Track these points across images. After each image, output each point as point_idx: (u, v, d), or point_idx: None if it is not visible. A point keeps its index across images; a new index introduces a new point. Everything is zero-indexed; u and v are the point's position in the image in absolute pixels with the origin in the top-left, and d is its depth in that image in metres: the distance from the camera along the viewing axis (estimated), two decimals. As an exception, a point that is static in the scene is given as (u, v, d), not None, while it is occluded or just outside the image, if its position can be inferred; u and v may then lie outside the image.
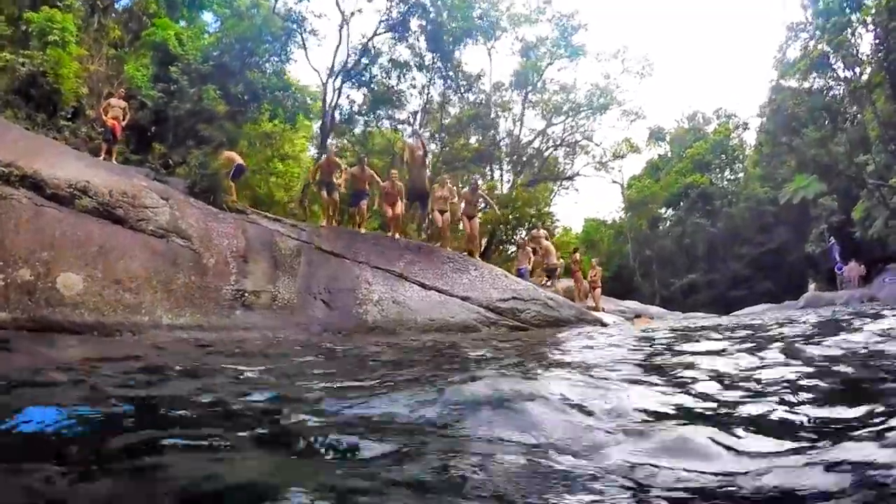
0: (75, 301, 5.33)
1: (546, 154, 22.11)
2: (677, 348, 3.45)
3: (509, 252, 18.84)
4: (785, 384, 1.79)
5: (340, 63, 16.69)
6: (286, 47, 16.22)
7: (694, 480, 0.96)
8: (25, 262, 5.36)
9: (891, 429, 1.10)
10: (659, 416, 1.36)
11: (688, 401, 1.49)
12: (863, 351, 2.49)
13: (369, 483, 0.97)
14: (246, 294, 6.48)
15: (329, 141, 17.89)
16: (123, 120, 9.42)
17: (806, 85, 21.65)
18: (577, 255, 14.05)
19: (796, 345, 2.75)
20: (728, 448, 1.10)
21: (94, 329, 5.20)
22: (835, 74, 20.76)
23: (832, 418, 1.24)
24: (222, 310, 6.20)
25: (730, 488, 0.92)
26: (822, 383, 1.57)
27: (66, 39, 11.08)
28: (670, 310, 20.05)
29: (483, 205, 11.21)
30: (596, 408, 1.41)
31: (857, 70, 19.94)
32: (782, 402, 1.43)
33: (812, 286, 22.00)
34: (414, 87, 18.46)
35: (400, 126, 19.47)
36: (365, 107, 18.06)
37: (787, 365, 2.19)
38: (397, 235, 9.24)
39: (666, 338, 4.45)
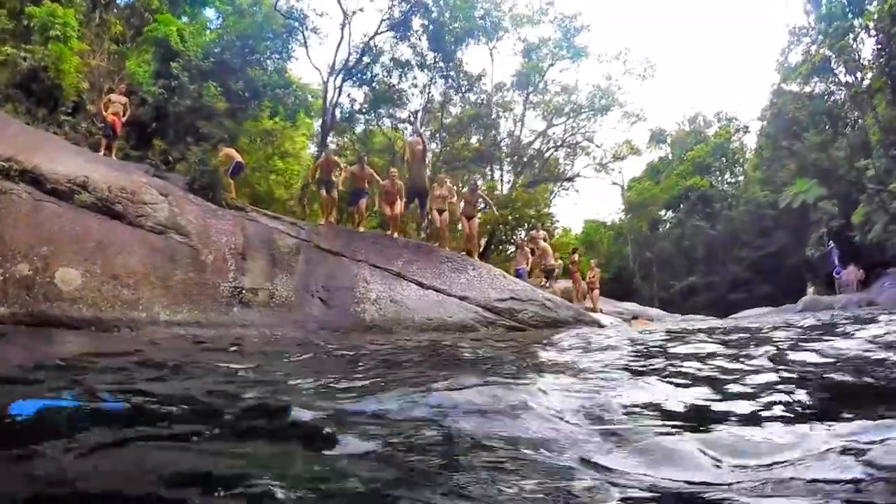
0: (73, 296, 5.35)
1: (547, 155, 22.11)
2: (671, 351, 3.46)
3: (508, 252, 18.86)
4: (766, 390, 1.81)
5: (341, 61, 16.70)
6: (287, 45, 16.23)
7: (664, 487, 0.97)
8: (24, 257, 5.38)
9: (868, 443, 1.11)
10: (639, 420, 1.37)
11: (671, 404, 1.50)
12: (850, 357, 2.50)
13: (346, 479, 0.99)
14: (244, 291, 6.50)
15: (329, 139, 17.90)
16: (124, 116, 9.43)
17: (807, 89, 21.65)
18: (576, 256, 14.05)
19: (785, 349, 2.77)
20: (707, 458, 1.11)
21: (92, 324, 5.22)
22: (836, 79, 20.76)
23: (801, 434, 1.25)
24: (220, 307, 6.22)
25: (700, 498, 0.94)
26: (803, 390, 1.58)
27: (67, 34, 11.08)
28: (669, 312, 20.06)
29: (482, 205, 11.22)
30: (579, 415, 1.42)
31: (859, 75, 19.93)
32: (755, 412, 1.43)
33: (811, 290, 22.01)
34: (415, 86, 18.49)
35: (401, 125, 19.49)
36: (366, 105, 18.06)
37: (772, 371, 2.21)
38: (396, 234, 9.26)
39: (660, 340, 4.46)
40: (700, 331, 5.69)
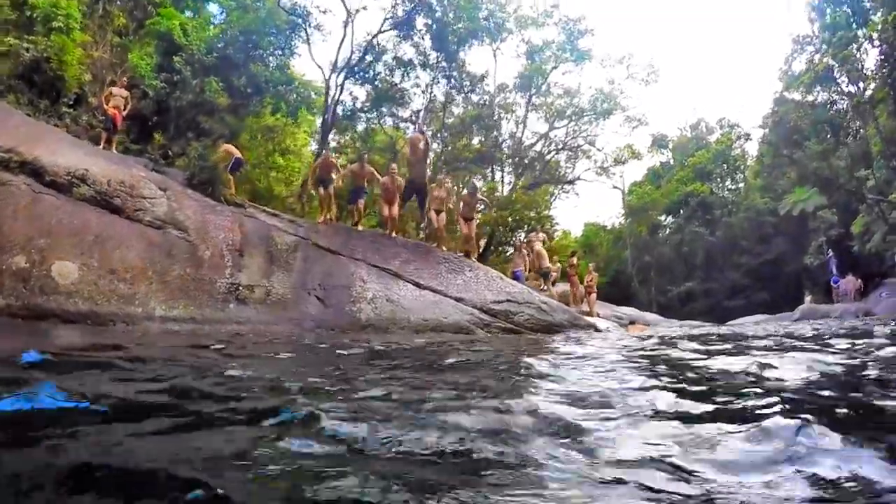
0: (70, 290, 5.34)
1: (548, 157, 22.13)
2: (662, 358, 3.47)
3: (508, 254, 18.88)
4: (740, 401, 1.82)
5: (344, 59, 16.69)
6: (290, 41, 16.22)
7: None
8: (21, 249, 5.38)
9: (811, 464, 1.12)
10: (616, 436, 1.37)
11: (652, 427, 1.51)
12: (833, 371, 2.51)
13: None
14: (240, 288, 6.50)
15: (331, 137, 17.90)
16: (125, 109, 9.43)
17: (810, 98, 21.68)
18: (574, 260, 14.07)
19: (769, 358, 2.78)
20: (684, 475, 1.12)
21: (88, 318, 5.21)
22: (839, 89, 20.78)
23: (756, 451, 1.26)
24: (216, 303, 6.22)
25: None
26: (778, 405, 1.58)
27: (70, 26, 11.09)
28: (667, 317, 20.10)
29: (482, 206, 11.23)
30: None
31: (861, 85, 19.96)
32: (725, 426, 1.44)
33: (808, 298, 22.07)
34: (417, 85, 18.51)
35: (402, 124, 19.49)
36: (367, 104, 18.06)
37: (755, 382, 2.22)
38: (394, 234, 9.26)
39: (654, 347, 4.47)
40: (693, 337, 5.70)
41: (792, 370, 2.48)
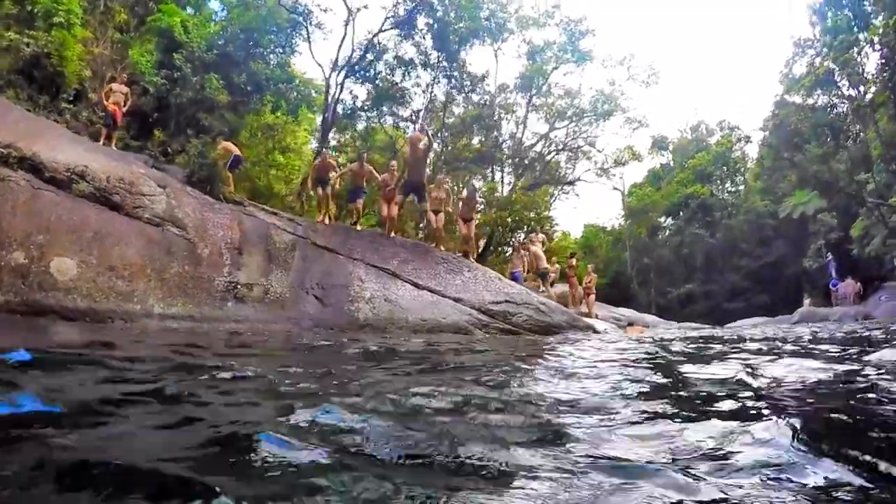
0: (68, 286, 5.34)
1: (548, 158, 22.13)
2: (656, 363, 3.47)
3: (507, 254, 18.87)
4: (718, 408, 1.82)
5: (345, 58, 16.66)
6: (291, 39, 16.19)
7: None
8: (20, 245, 5.37)
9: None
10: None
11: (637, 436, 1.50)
12: (824, 378, 2.51)
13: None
14: (239, 286, 6.50)
15: (331, 135, 17.88)
16: (125, 106, 9.42)
17: (810, 101, 21.71)
18: (573, 261, 14.08)
19: (761, 363, 2.79)
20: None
21: (86, 315, 5.21)
22: (839, 92, 20.81)
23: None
24: (214, 301, 6.22)
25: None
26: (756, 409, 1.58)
27: (71, 21, 11.08)
28: (666, 319, 20.14)
29: (482, 206, 11.23)
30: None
31: (862, 89, 19.98)
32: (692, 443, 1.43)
33: (807, 301, 22.13)
34: (418, 85, 18.47)
35: (403, 123, 19.47)
36: (368, 102, 18.03)
37: (745, 387, 2.22)
38: (393, 234, 9.25)
39: (648, 351, 4.47)
40: (688, 339, 5.71)
41: (782, 376, 2.48)
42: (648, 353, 4.16)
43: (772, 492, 1.05)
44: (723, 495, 1.03)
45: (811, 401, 2.04)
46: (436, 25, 16.70)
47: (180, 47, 12.95)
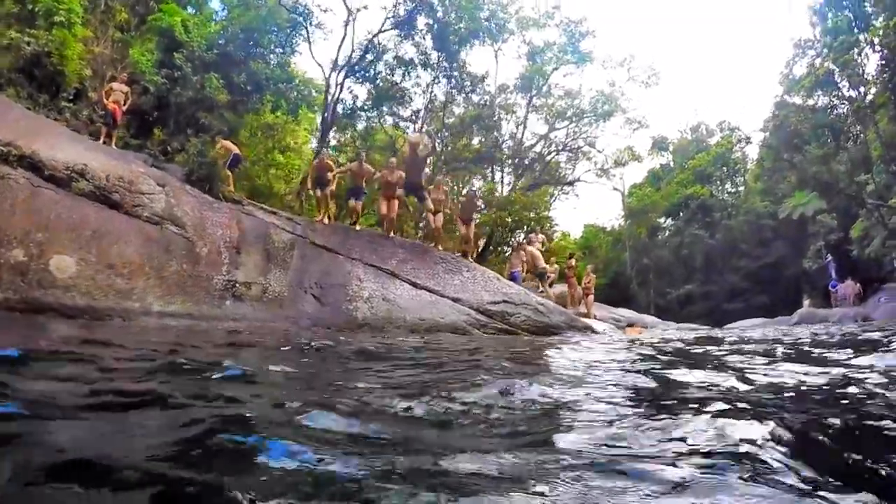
0: (67, 284, 5.36)
1: (548, 158, 22.13)
2: (650, 367, 3.48)
3: (507, 254, 18.87)
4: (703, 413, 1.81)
5: (345, 58, 16.66)
6: (291, 39, 16.21)
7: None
8: (20, 243, 5.39)
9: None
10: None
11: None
12: (815, 383, 2.50)
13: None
14: (237, 285, 6.52)
15: (331, 135, 17.89)
16: (125, 105, 9.43)
17: (810, 102, 21.69)
18: (573, 261, 14.08)
19: (751, 367, 2.79)
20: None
21: (85, 313, 5.23)
22: (839, 93, 20.79)
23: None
24: (213, 299, 6.24)
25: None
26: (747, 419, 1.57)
27: (71, 20, 11.10)
28: (665, 319, 20.13)
29: (481, 206, 11.24)
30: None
31: (862, 90, 19.96)
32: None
33: (807, 302, 22.12)
34: (418, 85, 18.49)
35: (403, 123, 19.48)
36: (368, 102, 18.05)
37: (735, 392, 2.22)
38: (391, 234, 9.26)
39: (644, 354, 4.48)
40: (685, 340, 5.71)
41: (776, 379, 2.49)
42: (644, 355, 4.17)
43: (757, 492, 1.06)
44: (710, 498, 1.04)
45: (801, 405, 2.04)
46: (436, 26, 16.72)
47: (181, 47, 12.97)
